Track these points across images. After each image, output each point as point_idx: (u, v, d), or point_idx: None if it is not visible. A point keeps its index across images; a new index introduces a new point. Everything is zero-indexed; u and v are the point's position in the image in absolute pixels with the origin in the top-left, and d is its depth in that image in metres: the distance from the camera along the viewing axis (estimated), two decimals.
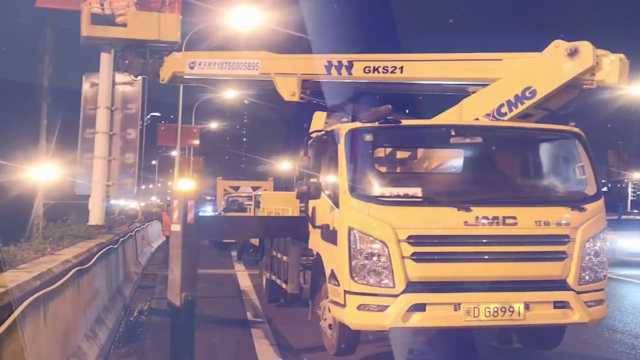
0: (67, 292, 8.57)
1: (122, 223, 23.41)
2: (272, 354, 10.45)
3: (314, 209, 10.08)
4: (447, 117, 11.82)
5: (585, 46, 10.64)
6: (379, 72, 12.93)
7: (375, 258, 8.51)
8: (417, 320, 8.46)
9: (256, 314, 14.12)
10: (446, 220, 8.73)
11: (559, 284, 8.83)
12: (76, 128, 17.93)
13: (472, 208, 8.67)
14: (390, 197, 8.94)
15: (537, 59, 11.27)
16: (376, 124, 9.27)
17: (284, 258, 12.71)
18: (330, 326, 9.62)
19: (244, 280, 19.75)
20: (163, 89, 20.24)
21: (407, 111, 15.01)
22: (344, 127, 9.51)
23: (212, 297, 15.32)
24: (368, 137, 9.40)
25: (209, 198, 47.69)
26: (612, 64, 10.68)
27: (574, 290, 8.80)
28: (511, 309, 8.61)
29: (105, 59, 17.32)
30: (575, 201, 9.21)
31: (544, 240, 8.94)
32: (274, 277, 14.09)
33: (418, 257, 8.53)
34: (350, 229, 8.64)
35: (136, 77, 17.31)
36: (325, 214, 9.46)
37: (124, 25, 16.77)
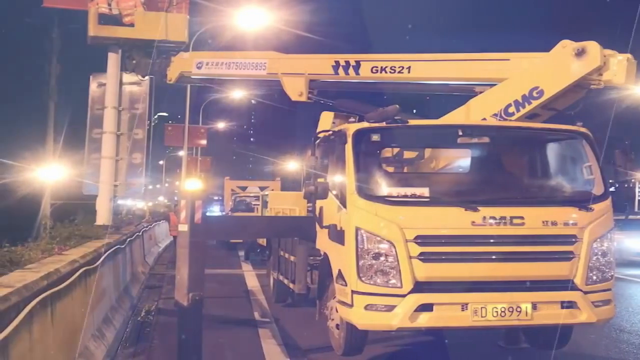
0: (74, 292, 8.61)
1: (129, 223, 23.45)
2: (279, 354, 10.46)
3: (321, 209, 10.08)
4: (455, 117, 11.81)
5: (592, 46, 10.62)
6: (386, 72, 12.94)
7: (382, 258, 8.51)
8: (424, 320, 8.45)
9: (263, 313, 14.13)
10: (454, 220, 8.72)
11: (566, 284, 8.81)
12: (84, 128, 17.98)
13: (479, 208, 8.66)
14: (397, 197, 8.94)
15: (544, 59, 11.25)
16: (383, 124, 9.27)
17: (292, 258, 12.72)
18: (337, 326, 9.62)
19: (252, 280, 19.77)
20: (171, 89, 20.28)
21: (414, 111, 15.03)
22: (351, 127, 9.50)
23: (219, 297, 15.34)
24: (375, 137, 9.40)
25: (216, 198, 47.78)
26: (619, 64, 10.66)
27: (581, 290, 8.79)
28: (518, 309, 8.60)
29: (113, 59, 17.36)
30: (583, 201, 9.19)
31: (551, 240, 8.92)
32: (281, 277, 14.09)
33: (425, 257, 8.52)
34: (357, 229, 8.64)
35: (143, 77, 17.38)
36: (333, 214, 9.46)
37: (132, 25, 16.82)
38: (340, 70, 13.38)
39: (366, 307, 8.52)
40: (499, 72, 11.63)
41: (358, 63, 13.24)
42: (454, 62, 12.56)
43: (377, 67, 13.05)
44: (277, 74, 14.41)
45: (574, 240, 8.85)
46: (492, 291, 8.66)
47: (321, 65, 13.88)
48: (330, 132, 10.38)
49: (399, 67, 12.77)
